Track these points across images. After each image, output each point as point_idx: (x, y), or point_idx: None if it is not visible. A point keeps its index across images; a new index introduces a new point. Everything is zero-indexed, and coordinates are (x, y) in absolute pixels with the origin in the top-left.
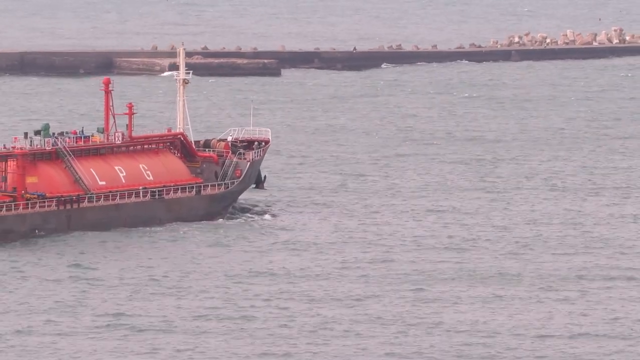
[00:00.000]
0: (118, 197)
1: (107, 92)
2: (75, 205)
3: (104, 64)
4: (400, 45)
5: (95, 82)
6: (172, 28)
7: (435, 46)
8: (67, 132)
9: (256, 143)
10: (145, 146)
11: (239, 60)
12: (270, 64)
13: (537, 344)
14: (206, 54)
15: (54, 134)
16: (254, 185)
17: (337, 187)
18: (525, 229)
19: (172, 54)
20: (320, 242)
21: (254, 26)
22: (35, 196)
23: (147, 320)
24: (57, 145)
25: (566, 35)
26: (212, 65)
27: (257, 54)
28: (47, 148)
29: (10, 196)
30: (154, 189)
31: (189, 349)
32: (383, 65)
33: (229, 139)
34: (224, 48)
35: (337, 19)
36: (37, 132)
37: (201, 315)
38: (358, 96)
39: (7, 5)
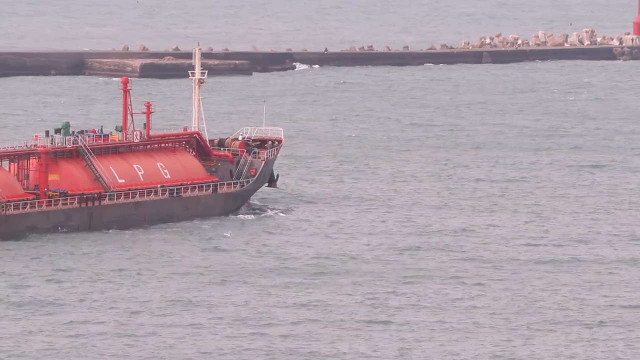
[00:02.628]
0: (137, 195)
1: (126, 92)
2: (96, 203)
3: (75, 65)
4: (371, 46)
5: (65, 83)
6: (141, 30)
7: (406, 47)
8: (86, 131)
9: (269, 142)
10: (162, 145)
11: (210, 61)
12: (242, 64)
13: None
14: (178, 54)
15: (73, 132)
16: (266, 184)
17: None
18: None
19: (143, 54)
20: (331, 237)
21: (225, 28)
22: (58, 194)
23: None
24: (78, 143)
25: (538, 36)
26: (183, 66)
27: (228, 55)
28: (68, 146)
29: (33, 194)
30: (173, 187)
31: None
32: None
33: (240, 138)
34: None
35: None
36: (57, 130)
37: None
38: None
39: None
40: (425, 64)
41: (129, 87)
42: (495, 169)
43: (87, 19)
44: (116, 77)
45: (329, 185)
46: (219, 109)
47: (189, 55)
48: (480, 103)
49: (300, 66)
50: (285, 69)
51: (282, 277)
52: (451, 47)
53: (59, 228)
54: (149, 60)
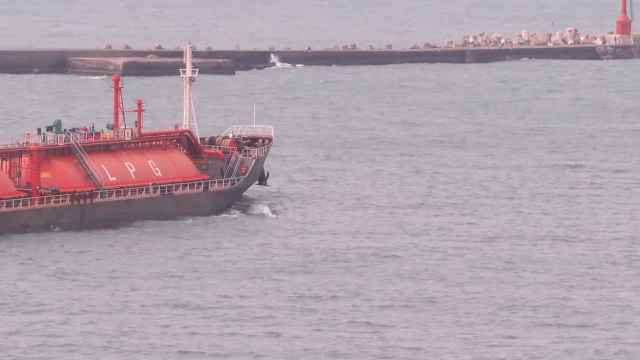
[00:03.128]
0: (129, 192)
1: (117, 90)
2: (88, 201)
3: (58, 63)
4: (355, 45)
5: (47, 81)
6: (121, 29)
7: (389, 46)
8: (77, 129)
9: (260, 140)
10: (154, 143)
11: (193, 59)
12: (225, 63)
13: None
14: (160, 53)
15: (65, 130)
16: (257, 182)
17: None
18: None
19: (126, 53)
20: (323, 234)
21: (205, 26)
22: (50, 191)
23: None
24: (70, 141)
25: (521, 35)
26: (165, 64)
27: (211, 54)
28: (60, 144)
29: (25, 191)
30: (164, 185)
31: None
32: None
33: (230, 136)
34: (177, 47)
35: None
36: (49, 128)
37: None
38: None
39: None
40: (408, 63)
41: (120, 85)
42: (476, 167)
43: (65, 17)
44: (99, 75)
45: (312, 184)
46: (203, 106)
47: (171, 54)
48: (462, 102)
49: (283, 65)
50: (267, 68)
51: (269, 274)
52: (434, 46)
53: (51, 226)
54: (131, 59)
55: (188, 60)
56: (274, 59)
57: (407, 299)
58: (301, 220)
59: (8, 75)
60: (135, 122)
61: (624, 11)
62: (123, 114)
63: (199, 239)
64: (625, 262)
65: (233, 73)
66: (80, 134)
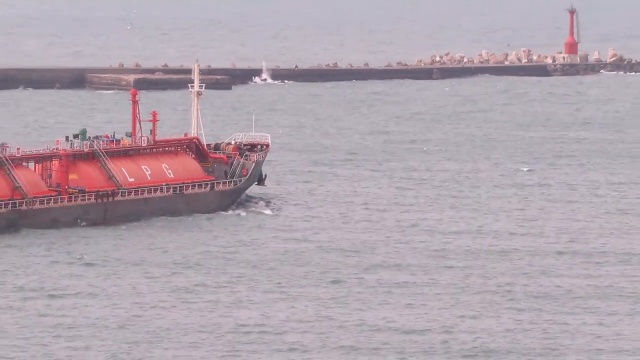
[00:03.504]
0: (145, 192)
1: (134, 102)
2: (110, 199)
3: (77, 80)
4: (336, 63)
5: (68, 96)
6: (135, 49)
7: (367, 64)
8: (100, 136)
9: (259, 146)
10: (166, 148)
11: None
12: (223, 79)
13: None
14: (166, 70)
15: (89, 137)
16: (256, 183)
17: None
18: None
19: (136, 70)
20: (313, 230)
21: (207, 46)
22: (77, 191)
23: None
24: (94, 147)
25: (481, 55)
26: (171, 80)
27: (210, 71)
28: (85, 150)
29: (55, 191)
30: (176, 185)
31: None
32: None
33: (232, 142)
34: (182, 65)
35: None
36: (75, 136)
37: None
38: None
39: None
40: (383, 79)
41: (137, 99)
42: (441, 170)
43: (82, 39)
44: (113, 90)
45: (300, 184)
46: (204, 117)
47: (176, 71)
48: (429, 113)
49: (274, 81)
50: (260, 83)
51: (264, 263)
52: (405, 65)
53: (78, 221)
54: (141, 76)
55: (196, 76)
56: (265, 75)
57: (380, 284)
58: (292, 215)
59: (33, 90)
60: (150, 130)
61: (572, 34)
62: (140, 124)
63: (205, 232)
64: (568, 253)
65: (230, 88)
66: (103, 141)
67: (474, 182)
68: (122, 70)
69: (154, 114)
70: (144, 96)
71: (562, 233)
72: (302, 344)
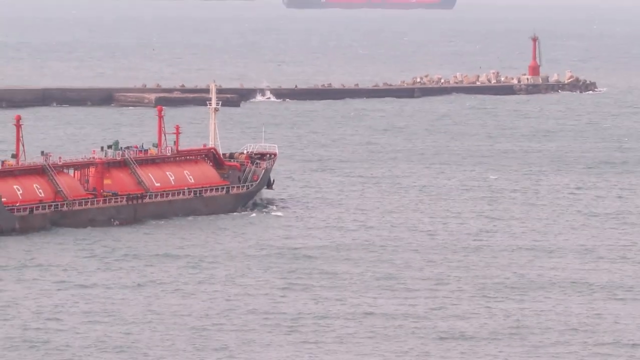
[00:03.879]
0: (170, 195)
1: (160, 117)
2: (140, 201)
3: (106, 98)
4: (330, 84)
5: (99, 112)
6: (156, 71)
7: (357, 84)
8: (130, 147)
9: (267, 155)
10: (188, 157)
11: (208, 95)
12: (232, 97)
13: None
14: (183, 90)
15: (121, 147)
16: (265, 187)
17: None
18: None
19: (157, 90)
20: (316, 229)
21: (219, 68)
22: (111, 194)
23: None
24: (125, 156)
25: (456, 76)
26: (188, 99)
27: (221, 90)
28: (118, 158)
29: (92, 194)
30: (196, 189)
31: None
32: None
33: (245, 152)
34: (196, 85)
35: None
36: (109, 146)
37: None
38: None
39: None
40: (370, 98)
41: (163, 114)
42: (421, 176)
43: (107, 62)
44: (136, 106)
45: (300, 189)
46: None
47: (191, 90)
48: (410, 126)
49: (277, 99)
50: (265, 101)
51: (272, 257)
52: (390, 85)
53: (112, 220)
54: (161, 94)
55: (213, 94)
56: (269, 94)
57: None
58: (297, 215)
59: (68, 107)
60: (174, 141)
61: (534, 58)
62: (165, 135)
63: (222, 230)
64: (532, 248)
65: (239, 105)
66: (133, 151)
67: (447, 187)
68: (144, 90)
69: (177, 127)
70: (164, 113)
71: (526, 230)
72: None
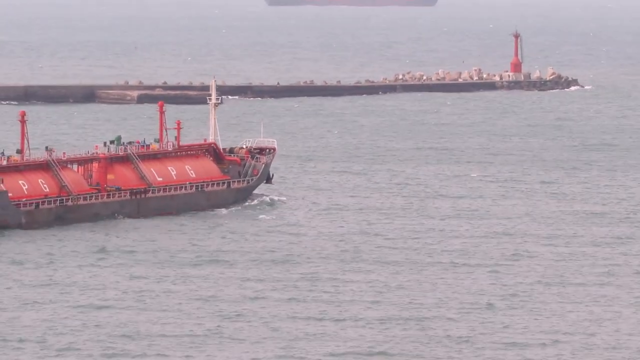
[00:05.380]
0: (172, 189)
1: (161, 113)
2: (142, 196)
3: (88, 95)
4: (312, 81)
5: (81, 109)
6: (137, 68)
7: (339, 82)
8: (132, 142)
9: (267, 150)
10: (189, 152)
11: (191, 92)
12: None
13: None
14: (165, 87)
15: (124, 142)
16: (265, 181)
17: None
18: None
19: (139, 87)
20: (313, 222)
21: (202, 66)
22: (114, 189)
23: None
24: (128, 151)
25: (438, 73)
26: (169, 96)
27: (204, 87)
28: (120, 153)
29: (96, 189)
30: (197, 184)
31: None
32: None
33: (244, 146)
34: (179, 83)
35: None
36: (111, 142)
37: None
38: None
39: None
40: (353, 95)
41: (164, 110)
42: (401, 172)
43: (92, 60)
44: (119, 104)
45: (291, 183)
46: (204, 125)
47: (174, 88)
48: (392, 123)
49: (258, 96)
50: (247, 98)
51: (269, 254)
52: (373, 82)
53: (116, 214)
54: (144, 91)
55: (213, 90)
56: (252, 91)
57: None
58: (292, 206)
59: (51, 105)
60: (175, 136)
61: (516, 55)
62: (166, 131)
63: (223, 223)
64: (505, 234)
65: (222, 102)
66: (135, 146)
67: (431, 183)
68: (127, 87)
69: (178, 123)
70: (147, 110)
71: (503, 218)
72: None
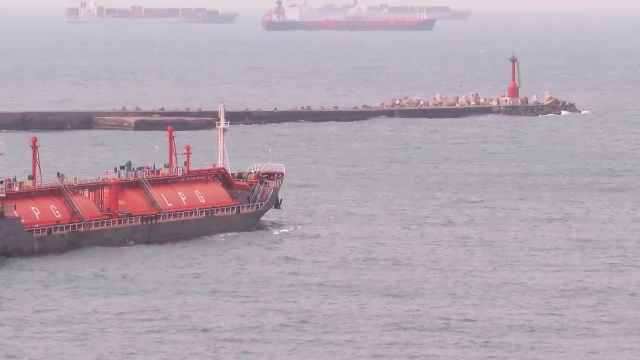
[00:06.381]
0: (182, 215)
1: (171, 138)
2: (153, 222)
3: (86, 121)
4: (310, 106)
5: (79, 135)
6: (135, 95)
7: (336, 107)
8: (142, 168)
9: (275, 175)
10: (198, 177)
11: (188, 118)
12: (212, 120)
13: None
14: (163, 113)
15: (134, 168)
16: (273, 207)
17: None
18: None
19: (137, 113)
20: (321, 249)
21: (198, 92)
22: (125, 215)
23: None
24: (138, 177)
25: (436, 98)
26: (167, 121)
27: (201, 114)
28: (131, 179)
29: (107, 215)
30: (207, 209)
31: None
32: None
33: (253, 172)
34: (176, 109)
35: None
36: (122, 167)
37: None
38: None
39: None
40: (350, 121)
41: (174, 135)
42: (394, 195)
43: (86, 87)
44: (116, 130)
45: (296, 206)
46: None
47: (171, 114)
48: (388, 148)
49: (257, 122)
50: (246, 124)
51: (282, 276)
52: (370, 107)
53: (127, 240)
54: (141, 118)
55: (222, 115)
56: (250, 117)
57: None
58: (302, 230)
59: (48, 132)
60: (185, 162)
61: (514, 80)
62: (176, 156)
63: (234, 248)
64: (486, 257)
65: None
66: (145, 172)
67: (425, 206)
68: (124, 113)
69: (188, 148)
70: (144, 137)
71: (493, 243)
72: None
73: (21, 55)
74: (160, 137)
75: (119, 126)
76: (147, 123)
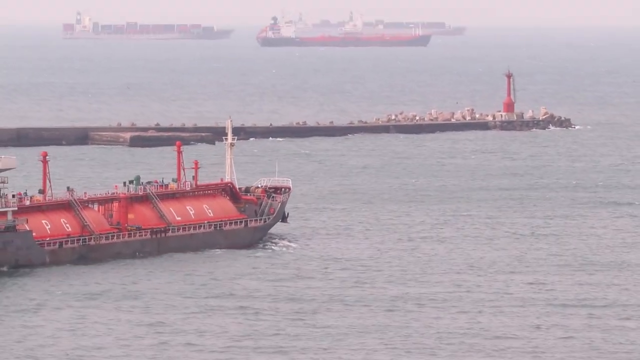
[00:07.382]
0: (191, 228)
1: (179, 153)
2: (162, 235)
3: (81, 137)
4: (305, 122)
5: (75, 150)
6: (130, 110)
7: (332, 122)
8: (151, 182)
9: (282, 189)
10: (206, 191)
11: (183, 134)
12: (207, 136)
13: None
14: (159, 128)
15: (142, 182)
16: (280, 220)
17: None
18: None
19: (132, 129)
20: (328, 259)
21: (194, 107)
22: (134, 228)
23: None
24: (147, 191)
25: (431, 113)
26: (162, 137)
27: (196, 129)
28: (140, 193)
29: (117, 228)
30: (215, 223)
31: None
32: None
33: (260, 186)
34: (172, 124)
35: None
36: (130, 182)
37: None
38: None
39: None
40: (346, 135)
41: (181, 149)
42: (389, 210)
43: (82, 103)
44: (112, 145)
45: (299, 219)
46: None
47: (166, 129)
48: (383, 163)
49: (251, 137)
50: (241, 139)
51: (287, 288)
52: (365, 122)
53: (136, 253)
54: (137, 133)
55: (229, 130)
56: (245, 132)
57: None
58: (307, 243)
59: (44, 147)
60: (193, 176)
61: (509, 95)
62: (184, 171)
63: (243, 260)
64: (485, 265)
65: (213, 143)
66: (154, 186)
67: (416, 217)
68: (119, 128)
69: (196, 163)
70: (138, 153)
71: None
72: None
73: (16, 71)
74: (155, 152)
75: (115, 141)
76: (143, 138)
